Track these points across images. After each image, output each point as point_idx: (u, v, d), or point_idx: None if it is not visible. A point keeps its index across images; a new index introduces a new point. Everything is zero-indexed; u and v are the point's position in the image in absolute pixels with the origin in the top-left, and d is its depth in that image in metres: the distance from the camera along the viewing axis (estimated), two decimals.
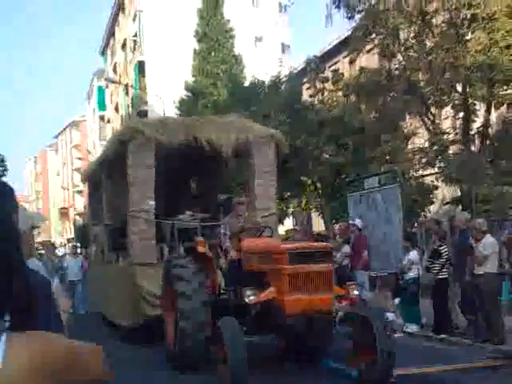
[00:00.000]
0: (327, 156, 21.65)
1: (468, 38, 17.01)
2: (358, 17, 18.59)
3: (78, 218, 72.68)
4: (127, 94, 53.38)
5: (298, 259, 8.78)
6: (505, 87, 16.88)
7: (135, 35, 51.78)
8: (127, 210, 12.98)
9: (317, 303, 8.75)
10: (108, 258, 15.46)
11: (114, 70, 61.03)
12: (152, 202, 12.95)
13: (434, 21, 17.62)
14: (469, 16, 16.83)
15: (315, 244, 10.65)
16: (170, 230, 14.04)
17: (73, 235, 49.59)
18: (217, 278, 10.46)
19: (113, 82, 53.10)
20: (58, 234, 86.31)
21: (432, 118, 18.72)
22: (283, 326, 8.88)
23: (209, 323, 9.81)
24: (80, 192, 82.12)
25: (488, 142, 17.84)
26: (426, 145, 18.46)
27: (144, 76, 48.37)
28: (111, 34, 62.07)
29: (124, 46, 56.42)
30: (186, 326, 9.83)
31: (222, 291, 10.48)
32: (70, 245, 22.07)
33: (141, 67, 49.26)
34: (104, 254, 16.09)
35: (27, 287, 1.74)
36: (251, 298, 8.90)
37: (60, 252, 31.19)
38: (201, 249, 10.42)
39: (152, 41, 47.45)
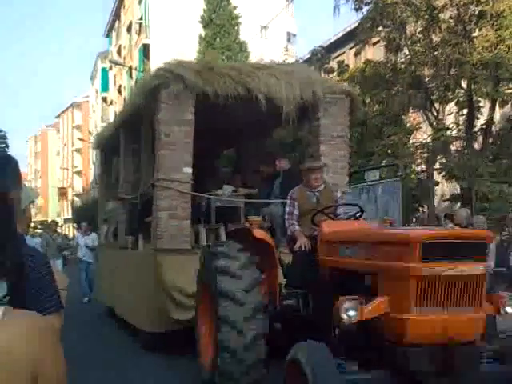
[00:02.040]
0: None
1: (475, 34, 16.75)
2: (365, 9, 18.31)
3: (76, 198, 71.04)
4: (131, 76, 50.55)
5: (437, 254, 5.42)
6: (510, 85, 16.46)
7: (141, 18, 50.42)
8: (154, 180, 9.65)
9: (460, 326, 5.41)
10: (122, 242, 12.10)
11: (119, 53, 59.17)
12: (189, 170, 9.59)
13: (441, 16, 17.21)
14: (477, 12, 16.53)
15: (467, 231, 7.13)
16: (205, 209, 10.70)
17: (70, 216, 47.90)
18: (277, 276, 7.18)
19: (117, 64, 51.06)
20: (56, 214, 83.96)
21: (436, 114, 18.29)
22: (399, 360, 5.43)
23: (264, 340, 6.53)
24: (79, 173, 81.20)
25: (491, 139, 17.56)
26: (429, 140, 17.84)
27: (148, 59, 45.77)
28: (117, 16, 60.36)
29: (129, 28, 54.78)
30: (229, 343, 6.47)
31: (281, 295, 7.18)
32: (84, 223, 18.97)
33: (145, 50, 47.53)
34: (118, 236, 12.72)
35: (19, 256, 1.81)
36: (351, 314, 5.44)
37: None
38: (258, 232, 7.10)
39: (158, 25, 46.05)
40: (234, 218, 10.66)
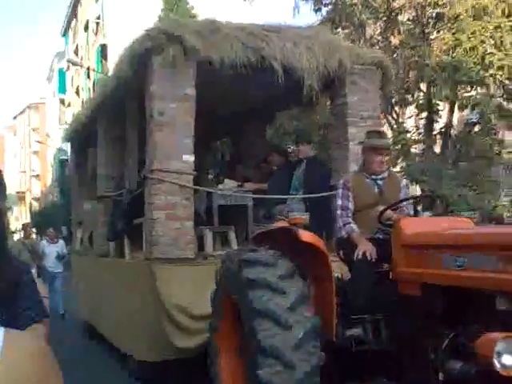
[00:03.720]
0: None
1: (433, 37, 16.64)
2: (324, 10, 17.97)
3: (34, 202, 68.86)
4: (89, 77, 49.07)
5: None
6: (468, 89, 16.22)
7: (98, 17, 48.60)
8: (146, 171, 7.52)
9: None
10: (102, 249, 9.90)
11: (76, 53, 57.26)
12: (190, 158, 7.45)
13: (399, 18, 17.07)
14: (434, 15, 16.51)
15: None
16: (206, 207, 8.60)
17: (29, 220, 45.90)
18: (332, 295, 5.04)
19: (75, 64, 48.61)
20: (15, 219, 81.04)
21: (396, 117, 18.10)
22: None
23: (319, 377, 4.47)
24: (37, 176, 78.52)
25: (450, 143, 17.24)
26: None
27: (107, 60, 44.03)
28: (73, 14, 58.19)
29: (86, 28, 52.94)
30: (274, 381, 4.40)
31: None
32: (51, 230, 16.78)
33: (103, 51, 45.84)
34: (96, 242, 10.50)
35: (14, 270, 1.91)
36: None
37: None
38: (306, 235, 5.00)
39: (115, 24, 43.80)
40: (240, 219, 8.59)
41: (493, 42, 15.38)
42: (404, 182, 5.57)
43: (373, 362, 4.71)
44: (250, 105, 9.60)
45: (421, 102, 16.70)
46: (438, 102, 16.65)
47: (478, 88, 16.13)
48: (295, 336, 4.38)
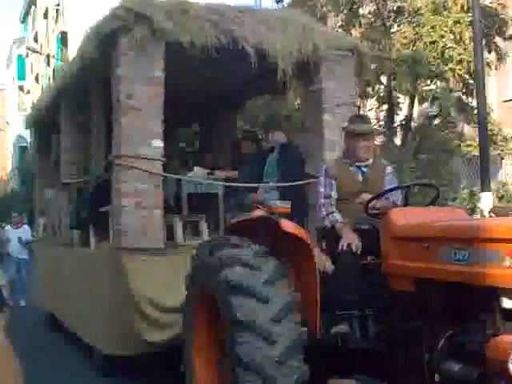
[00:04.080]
0: None
1: (394, 30, 16.62)
2: (286, 2, 18.14)
3: None
4: (49, 64, 47.56)
5: None
6: (428, 82, 16.13)
7: (58, 4, 47.24)
8: (112, 157, 7.01)
9: None
10: (66, 237, 9.35)
11: (35, 39, 55.65)
12: (160, 143, 6.96)
13: (361, 11, 17.02)
14: (395, 8, 16.49)
15: None
16: (175, 195, 8.14)
17: None
18: (316, 290, 4.45)
19: (34, 51, 47.37)
20: None
21: (357, 109, 15.90)
22: None
23: None
24: None
25: (410, 135, 17.18)
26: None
27: (67, 47, 43.00)
28: (33, 1, 56.72)
29: (46, 15, 51.42)
30: None
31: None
32: (16, 214, 16.00)
33: (63, 38, 44.58)
34: (59, 231, 9.94)
35: None
36: None
37: None
38: (290, 226, 4.48)
39: (75, 11, 42.40)
40: (210, 208, 8.14)
41: (452, 36, 15.41)
42: (389, 168, 5.15)
43: (360, 361, 4.33)
44: (220, 91, 9.12)
45: (381, 94, 16.51)
46: (398, 94, 16.49)
47: (438, 82, 16.10)
48: (278, 350, 3.98)
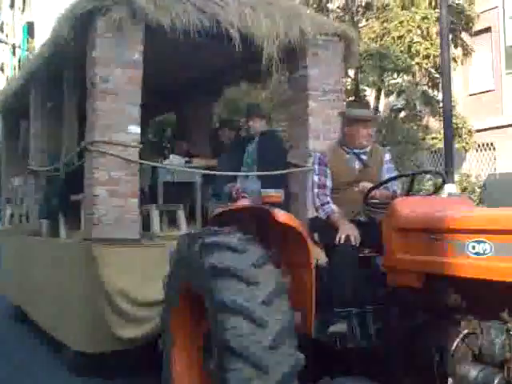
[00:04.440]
0: None
1: (362, 25, 16.78)
2: None
3: None
4: (14, 54, 46.55)
5: None
6: (394, 76, 16.11)
7: None
8: (86, 143, 6.50)
9: None
10: (33, 226, 8.79)
11: (1, 29, 54.25)
12: (137, 129, 6.47)
13: (329, 5, 17.20)
14: (363, 4, 16.65)
15: None
16: (149, 184, 7.67)
17: None
18: (311, 285, 4.05)
19: (0, 41, 45.64)
20: None
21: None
22: None
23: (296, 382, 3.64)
24: None
25: (376, 128, 15.69)
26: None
27: (33, 38, 41.47)
28: None
29: (12, 5, 50.54)
30: None
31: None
32: None
33: (30, 28, 43.06)
34: (26, 219, 9.36)
35: None
36: None
37: None
38: (283, 215, 4.08)
39: (42, 1, 41.31)
40: (186, 197, 7.70)
41: (420, 31, 15.42)
42: (387, 155, 4.77)
43: (359, 361, 3.95)
44: (199, 76, 8.65)
45: (348, 87, 16.19)
46: (365, 87, 16.56)
47: (404, 75, 16.04)
48: (270, 335, 3.56)
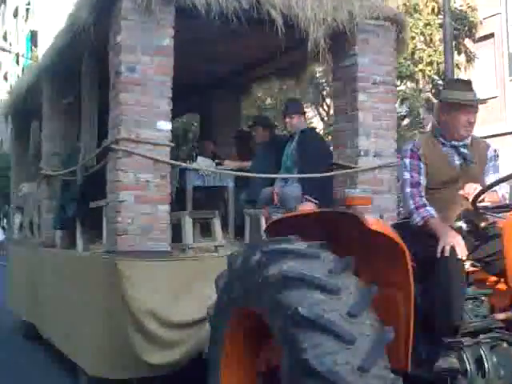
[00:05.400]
0: None
1: None
2: None
3: None
4: (18, 63, 45.97)
5: None
6: (398, 83, 14.92)
7: (28, 3, 46.39)
8: (110, 141, 5.63)
9: None
10: (47, 238, 7.90)
11: (5, 38, 54.24)
12: (167, 125, 5.60)
13: None
14: None
15: None
16: (175, 191, 6.77)
17: None
18: (409, 311, 3.11)
19: (4, 50, 45.11)
20: None
21: (327, 109, 17.53)
22: None
23: None
24: None
25: None
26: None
27: (36, 46, 41.67)
28: (2, 0, 55.79)
29: (16, 14, 50.51)
30: None
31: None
32: None
33: (33, 37, 43.42)
34: (37, 229, 8.48)
35: None
36: None
37: None
38: (376, 223, 3.12)
39: (45, 10, 41.71)
40: (217, 204, 6.84)
41: (423, 38, 15.43)
42: (492, 150, 3.83)
43: None
44: (230, 70, 7.76)
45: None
46: None
47: (408, 82, 15.96)
48: (359, 353, 2.70)
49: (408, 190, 3.50)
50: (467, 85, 3.62)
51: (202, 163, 6.82)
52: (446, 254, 3.09)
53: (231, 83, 8.24)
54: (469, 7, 16.55)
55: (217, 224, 5.72)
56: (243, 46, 6.57)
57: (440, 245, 3.13)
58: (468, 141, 3.60)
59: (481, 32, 17.44)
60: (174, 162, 5.54)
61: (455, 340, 3.00)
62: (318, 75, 16.14)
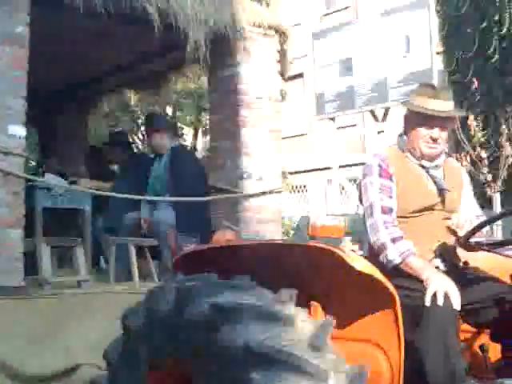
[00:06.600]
0: None
1: None
2: None
3: None
4: None
5: None
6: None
7: None
8: None
9: None
10: None
11: None
12: (22, 131, 4.46)
13: None
14: None
15: None
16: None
17: None
18: (398, 369, 2.22)
19: None
20: None
21: (142, 138, 16.63)
22: None
23: None
24: None
25: None
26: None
27: None
28: None
29: None
30: None
31: None
32: None
33: None
34: None
35: None
36: None
37: None
38: (362, 264, 2.19)
39: None
40: (73, 230, 5.77)
41: None
42: (466, 174, 3.07)
43: None
44: (82, 76, 6.65)
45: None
46: (182, 125, 15.92)
47: None
48: None
49: (378, 216, 2.66)
50: (438, 91, 2.87)
51: (53, 181, 5.69)
52: (439, 303, 2.37)
53: (81, 93, 7.16)
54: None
55: (80, 254, 4.67)
56: (115, 45, 5.60)
57: (429, 291, 2.39)
58: (440, 161, 2.87)
59: (292, 71, 17.89)
60: (31, 176, 4.43)
61: None
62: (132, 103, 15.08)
